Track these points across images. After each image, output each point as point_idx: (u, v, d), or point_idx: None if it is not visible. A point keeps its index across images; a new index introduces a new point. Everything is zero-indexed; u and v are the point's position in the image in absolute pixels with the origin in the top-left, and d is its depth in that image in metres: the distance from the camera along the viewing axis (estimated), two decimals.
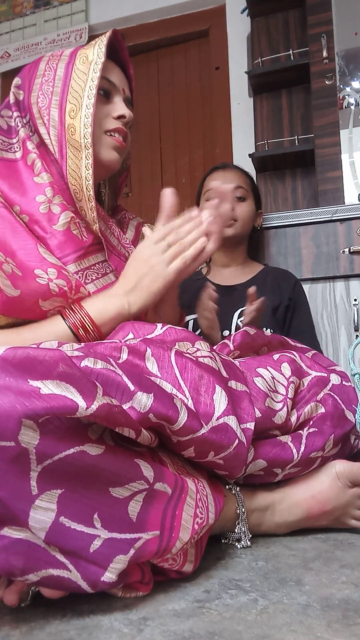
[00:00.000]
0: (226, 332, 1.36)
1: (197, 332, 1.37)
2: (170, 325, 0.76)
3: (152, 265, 0.80)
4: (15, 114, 0.88)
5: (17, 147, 0.87)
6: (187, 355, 0.67)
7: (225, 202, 0.86)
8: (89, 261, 0.87)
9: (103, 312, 0.80)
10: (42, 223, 0.83)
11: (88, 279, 0.85)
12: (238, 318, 1.38)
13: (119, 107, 0.89)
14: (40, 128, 0.86)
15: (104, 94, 0.89)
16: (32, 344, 0.75)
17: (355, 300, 1.57)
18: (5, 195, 0.83)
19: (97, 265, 0.88)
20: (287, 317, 1.43)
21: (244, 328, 0.90)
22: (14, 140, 0.88)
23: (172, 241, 0.81)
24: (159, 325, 0.76)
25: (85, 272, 0.86)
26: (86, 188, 0.84)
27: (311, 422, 0.76)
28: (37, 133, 0.87)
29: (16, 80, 0.91)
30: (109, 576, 0.49)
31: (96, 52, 0.86)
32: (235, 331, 1.19)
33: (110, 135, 0.89)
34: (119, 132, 0.90)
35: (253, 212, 1.51)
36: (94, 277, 0.86)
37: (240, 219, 1.46)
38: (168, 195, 0.85)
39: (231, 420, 0.63)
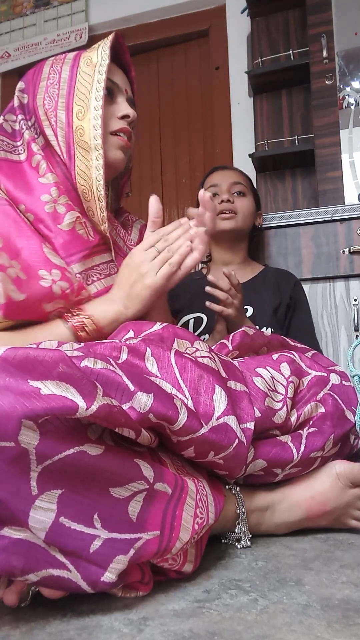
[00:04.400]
0: None
1: (196, 333, 1.37)
2: (168, 324, 0.76)
3: (143, 272, 0.82)
4: (20, 117, 0.89)
5: (21, 150, 0.88)
6: (187, 355, 0.67)
7: (210, 211, 0.88)
8: (93, 261, 0.88)
9: (102, 315, 0.82)
10: (47, 222, 0.83)
11: (89, 280, 0.86)
12: None
13: (123, 107, 0.91)
14: (46, 130, 0.87)
15: (108, 94, 0.90)
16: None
17: (355, 300, 1.57)
18: (10, 193, 0.83)
19: (101, 265, 0.89)
20: (287, 316, 1.44)
21: (244, 328, 0.90)
22: (19, 143, 0.89)
23: (161, 248, 0.83)
24: (158, 323, 0.76)
25: (89, 272, 0.86)
26: (96, 188, 0.85)
27: (311, 421, 0.76)
28: (43, 135, 0.87)
29: (20, 85, 0.91)
30: (109, 576, 0.49)
31: (100, 54, 0.87)
32: None
33: (116, 135, 0.90)
34: (124, 132, 0.91)
35: (253, 207, 1.51)
36: (96, 278, 0.87)
37: (241, 212, 1.46)
38: (153, 204, 0.88)
39: (231, 420, 0.63)
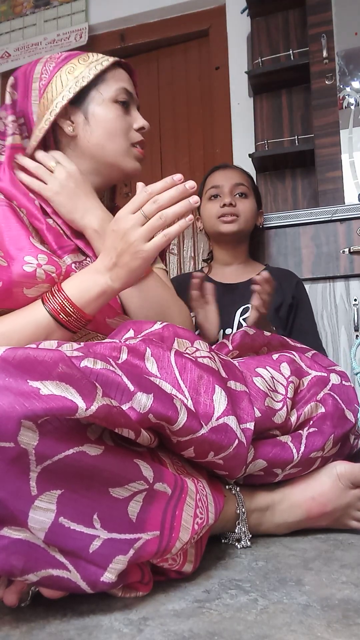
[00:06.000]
0: (228, 330, 1.36)
1: (198, 331, 1.37)
2: (168, 323, 0.76)
3: (130, 242, 0.73)
4: (10, 118, 0.89)
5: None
6: (187, 355, 0.67)
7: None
8: (86, 254, 0.89)
9: (85, 292, 0.76)
10: (38, 216, 0.85)
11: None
12: (240, 316, 1.38)
13: (139, 119, 0.95)
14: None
15: (125, 105, 0.93)
16: (10, 334, 0.75)
17: (355, 300, 1.57)
18: (7, 191, 0.85)
19: (94, 257, 0.89)
20: (290, 316, 1.44)
21: (244, 328, 0.90)
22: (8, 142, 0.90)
23: (148, 212, 0.73)
24: (158, 322, 0.76)
25: (83, 263, 0.87)
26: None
27: (311, 422, 0.76)
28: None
29: (11, 80, 0.93)
30: (109, 576, 0.49)
31: (96, 58, 0.91)
32: (237, 329, 1.19)
33: (134, 147, 0.95)
34: (140, 144, 0.96)
35: (255, 209, 1.51)
36: None
37: (243, 214, 1.46)
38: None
39: (231, 421, 0.63)
